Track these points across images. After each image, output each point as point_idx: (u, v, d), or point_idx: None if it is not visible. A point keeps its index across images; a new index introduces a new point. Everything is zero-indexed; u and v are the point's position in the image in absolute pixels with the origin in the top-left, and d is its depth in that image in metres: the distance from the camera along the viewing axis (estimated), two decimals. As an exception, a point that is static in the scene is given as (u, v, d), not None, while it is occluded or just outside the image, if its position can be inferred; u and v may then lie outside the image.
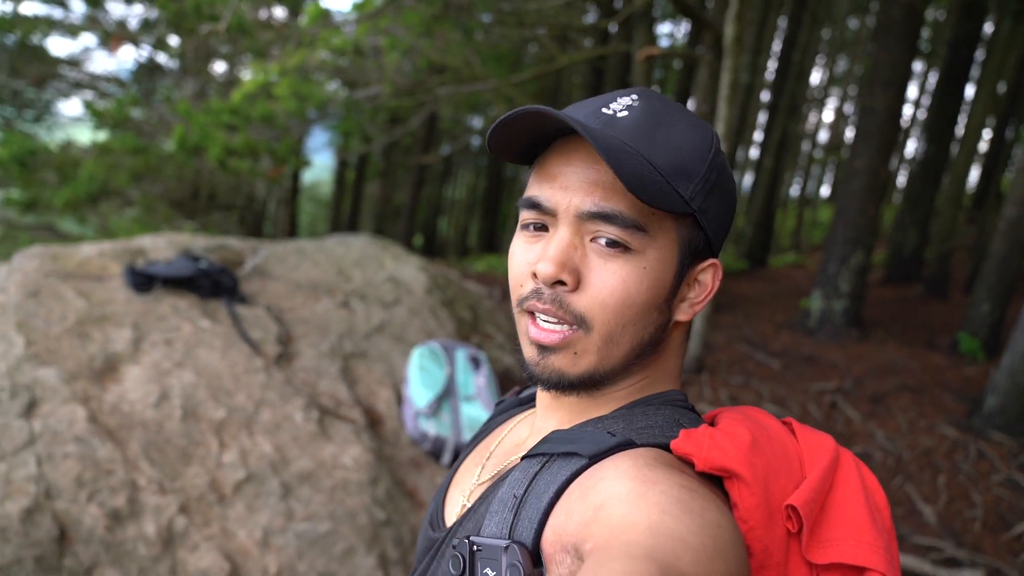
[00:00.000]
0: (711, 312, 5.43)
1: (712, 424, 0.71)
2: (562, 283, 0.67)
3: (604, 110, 0.69)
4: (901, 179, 18.90)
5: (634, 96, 0.70)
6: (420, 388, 2.95)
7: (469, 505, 0.76)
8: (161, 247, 3.42)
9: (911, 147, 20.22)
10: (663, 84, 15.37)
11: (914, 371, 4.99)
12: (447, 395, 2.99)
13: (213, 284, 3.01)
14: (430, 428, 2.86)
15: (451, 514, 0.81)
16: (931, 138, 8.49)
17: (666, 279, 0.68)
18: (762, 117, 14.20)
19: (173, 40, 9.84)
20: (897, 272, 8.81)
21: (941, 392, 4.64)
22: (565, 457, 0.63)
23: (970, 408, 4.36)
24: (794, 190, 23.25)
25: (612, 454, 0.61)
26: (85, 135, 9.43)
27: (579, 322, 0.67)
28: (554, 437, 0.67)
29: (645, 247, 0.66)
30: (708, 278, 0.71)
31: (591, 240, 0.67)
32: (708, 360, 5.21)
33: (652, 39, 7.24)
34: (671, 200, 0.64)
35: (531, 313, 0.70)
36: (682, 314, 0.71)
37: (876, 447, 3.98)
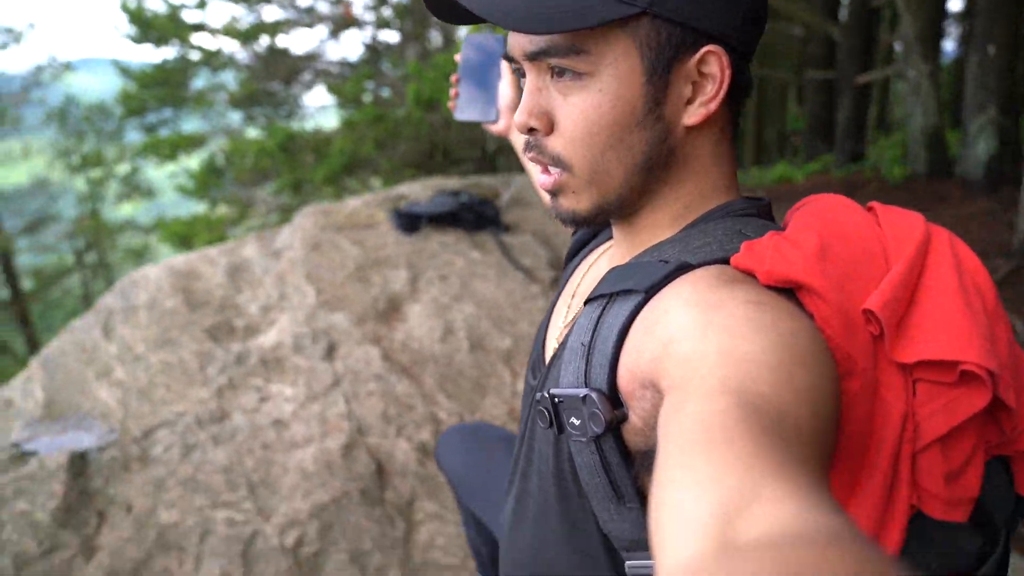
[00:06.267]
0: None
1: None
2: (535, 129, 0.66)
3: None
4: None
5: None
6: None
7: (556, 348, 0.75)
8: (418, 191, 3.42)
9: None
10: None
11: None
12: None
13: (476, 217, 2.92)
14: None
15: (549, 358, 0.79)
16: None
17: (631, 93, 0.62)
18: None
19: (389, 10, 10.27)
20: None
21: None
22: (623, 295, 0.60)
23: None
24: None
25: (669, 282, 0.58)
26: (331, 121, 10.20)
27: (560, 164, 0.66)
28: (610, 276, 0.64)
29: (595, 68, 0.61)
30: (713, 68, 0.62)
31: (550, 78, 0.65)
32: None
33: None
34: (595, 11, 0.58)
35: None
36: (692, 117, 0.63)
37: None
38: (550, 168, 0.67)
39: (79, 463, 1.86)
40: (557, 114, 0.65)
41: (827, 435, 0.46)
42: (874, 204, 0.65)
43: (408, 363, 2.38)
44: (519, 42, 0.64)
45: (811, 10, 7.63)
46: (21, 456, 1.89)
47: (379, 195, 3.40)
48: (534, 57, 0.64)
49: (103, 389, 2.12)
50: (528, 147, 0.68)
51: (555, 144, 0.66)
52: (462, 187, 3.38)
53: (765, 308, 0.51)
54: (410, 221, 2.93)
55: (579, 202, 0.67)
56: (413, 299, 2.64)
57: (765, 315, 0.50)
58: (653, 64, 0.61)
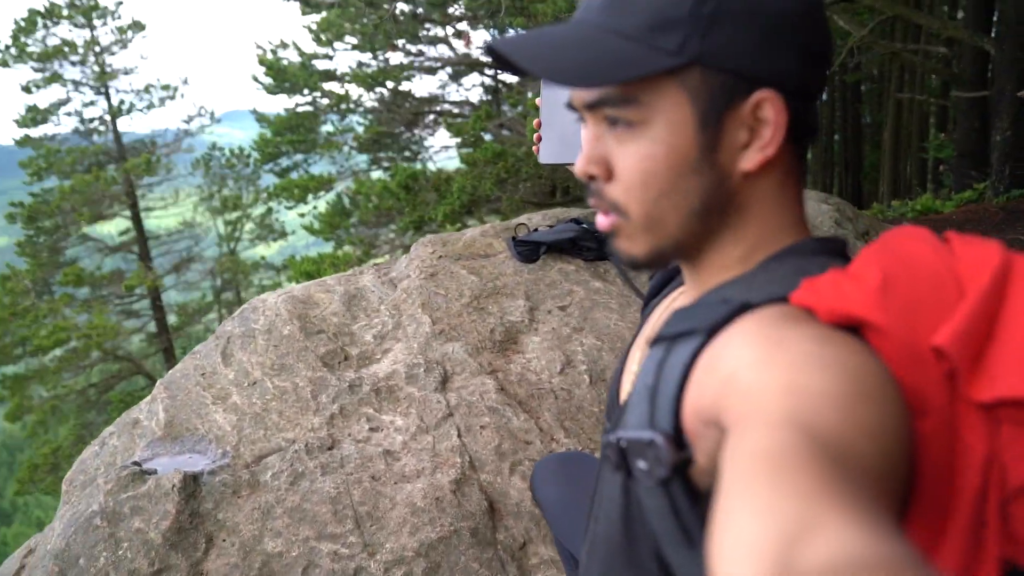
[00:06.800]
0: None
1: None
2: (596, 176, 0.67)
3: None
4: None
5: None
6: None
7: (629, 390, 0.75)
8: (538, 221, 3.32)
9: None
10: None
11: None
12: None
13: (598, 245, 2.77)
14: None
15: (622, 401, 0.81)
16: None
17: (684, 142, 0.62)
18: None
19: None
20: None
21: None
22: (685, 336, 0.61)
23: None
24: None
25: (730, 321, 0.58)
26: (453, 164, 10.44)
27: (617, 210, 0.67)
28: (674, 318, 0.65)
29: (647, 117, 0.62)
30: (768, 114, 0.61)
31: (607, 126, 0.65)
32: None
33: None
34: (642, 64, 0.59)
35: None
36: (749, 163, 0.63)
37: None
38: (609, 211, 0.69)
39: (192, 485, 1.83)
40: (614, 162, 0.66)
41: (895, 473, 0.45)
42: (950, 234, 0.62)
43: (525, 396, 2.24)
44: (577, 92, 0.67)
45: (958, 25, 7.07)
46: (141, 474, 1.89)
47: (497, 225, 3.33)
48: (590, 107, 0.65)
49: (219, 413, 2.11)
50: (590, 193, 0.70)
51: (614, 191, 0.67)
52: (583, 216, 3.25)
53: (828, 344, 0.50)
54: (529, 249, 2.82)
55: (634, 247, 0.68)
56: (531, 330, 2.51)
57: (828, 350, 0.49)
58: (705, 113, 0.61)
